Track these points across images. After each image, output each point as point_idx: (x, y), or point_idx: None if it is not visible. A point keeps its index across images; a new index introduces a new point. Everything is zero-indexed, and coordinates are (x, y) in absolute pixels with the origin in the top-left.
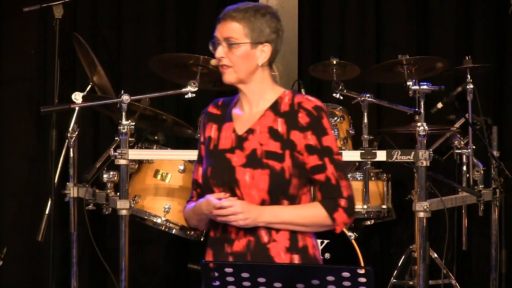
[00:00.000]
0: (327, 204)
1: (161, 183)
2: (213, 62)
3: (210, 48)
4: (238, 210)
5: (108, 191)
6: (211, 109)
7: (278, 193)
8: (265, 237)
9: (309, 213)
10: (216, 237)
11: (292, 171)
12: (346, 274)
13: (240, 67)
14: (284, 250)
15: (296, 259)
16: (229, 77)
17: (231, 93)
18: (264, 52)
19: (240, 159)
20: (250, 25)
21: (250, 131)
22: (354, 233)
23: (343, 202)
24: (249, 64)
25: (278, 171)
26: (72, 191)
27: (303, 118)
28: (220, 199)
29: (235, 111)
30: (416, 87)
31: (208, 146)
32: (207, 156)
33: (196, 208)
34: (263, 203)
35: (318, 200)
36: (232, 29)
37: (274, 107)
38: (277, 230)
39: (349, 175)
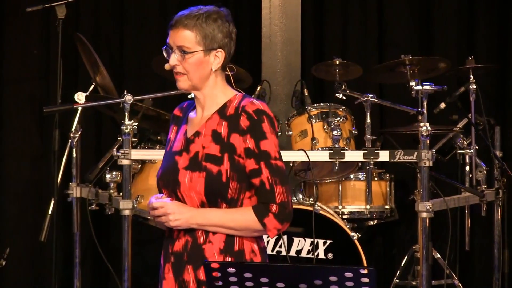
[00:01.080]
0: (258, 209)
1: None
2: (166, 66)
3: (164, 54)
4: (168, 211)
5: (111, 191)
6: (176, 112)
7: (216, 196)
8: (201, 238)
9: (240, 217)
10: (165, 237)
11: (230, 174)
12: (348, 274)
13: (194, 74)
14: (218, 252)
15: None
16: (183, 84)
17: None
18: (217, 57)
19: (184, 162)
20: (202, 32)
21: (197, 134)
22: (357, 233)
23: (274, 208)
24: (203, 71)
25: (214, 174)
26: (75, 191)
27: (243, 122)
28: (156, 198)
29: (191, 115)
30: (419, 87)
31: (166, 148)
32: (163, 157)
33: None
34: (202, 205)
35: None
36: (184, 37)
37: (221, 111)
38: (214, 232)
39: (351, 175)
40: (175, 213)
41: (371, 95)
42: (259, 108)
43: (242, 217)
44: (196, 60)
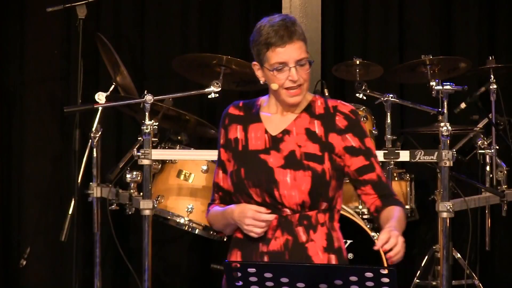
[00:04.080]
0: (397, 203)
1: (184, 183)
2: (275, 86)
3: (274, 73)
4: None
5: (131, 191)
6: (232, 111)
7: (319, 194)
8: (303, 236)
9: (403, 216)
10: (246, 237)
11: (331, 173)
12: (369, 275)
13: (308, 83)
14: (322, 250)
15: (333, 259)
16: (299, 98)
17: (256, 93)
18: None
19: (278, 160)
20: (305, 39)
21: (286, 132)
22: (377, 233)
23: (399, 198)
24: (309, 75)
25: (319, 173)
26: (95, 191)
27: (341, 121)
28: (259, 211)
29: (264, 113)
30: (439, 87)
31: (235, 147)
32: (236, 157)
33: (227, 212)
34: (303, 204)
35: (372, 197)
36: (301, 49)
37: (309, 110)
38: (315, 230)
39: None
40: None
41: (391, 95)
42: (353, 109)
43: (402, 216)
44: (308, 69)
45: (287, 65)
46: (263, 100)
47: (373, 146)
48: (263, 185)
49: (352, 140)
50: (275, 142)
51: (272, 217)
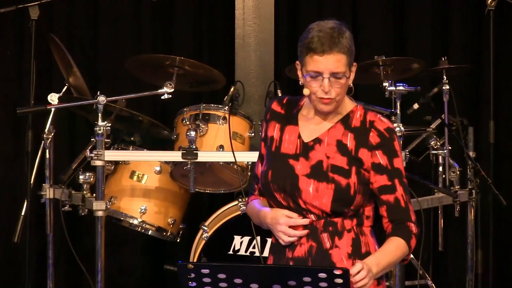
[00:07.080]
0: (403, 234)
1: (137, 184)
2: (306, 92)
3: (307, 79)
4: (367, 278)
5: (84, 192)
6: (275, 107)
7: (341, 207)
8: (327, 243)
9: (398, 250)
10: (277, 243)
11: (357, 188)
12: (322, 275)
13: (342, 95)
14: (346, 256)
15: None
16: (331, 107)
17: (209, 94)
18: (353, 72)
19: (304, 169)
20: (350, 52)
21: (318, 140)
22: None
23: (414, 228)
24: (347, 89)
25: (343, 187)
26: (48, 192)
27: (373, 138)
28: (290, 217)
29: (302, 117)
30: (392, 88)
31: (269, 146)
32: (268, 157)
33: (261, 215)
34: (322, 214)
35: (384, 220)
36: (341, 62)
37: (345, 121)
38: (340, 236)
39: None
40: (371, 277)
41: None
42: (390, 127)
43: (399, 249)
44: (346, 82)
45: (321, 75)
46: (306, 100)
47: (402, 166)
48: (287, 191)
49: (380, 158)
50: (305, 149)
51: (305, 221)
